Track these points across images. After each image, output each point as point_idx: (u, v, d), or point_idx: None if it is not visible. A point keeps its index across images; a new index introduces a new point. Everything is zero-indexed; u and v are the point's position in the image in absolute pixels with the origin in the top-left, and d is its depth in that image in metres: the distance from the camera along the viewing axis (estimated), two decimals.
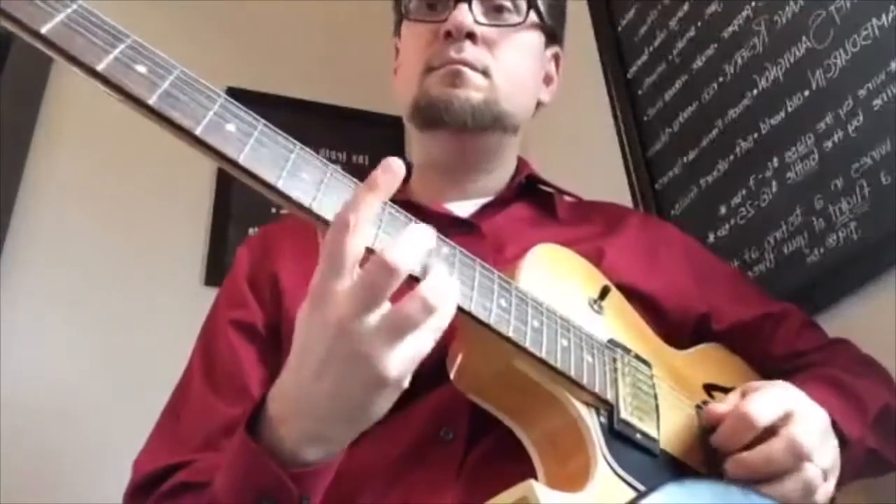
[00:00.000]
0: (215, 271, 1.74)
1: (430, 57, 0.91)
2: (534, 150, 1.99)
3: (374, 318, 0.53)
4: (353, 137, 1.97)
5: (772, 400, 0.69)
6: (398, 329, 0.54)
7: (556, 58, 1.05)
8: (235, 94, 1.92)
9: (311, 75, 2.05)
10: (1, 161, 1.59)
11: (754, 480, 0.66)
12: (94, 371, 1.55)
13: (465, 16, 0.89)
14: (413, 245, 0.55)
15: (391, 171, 0.55)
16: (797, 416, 0.68)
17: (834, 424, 0.75)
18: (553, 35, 1.02)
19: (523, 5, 0.95)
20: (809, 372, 0.85)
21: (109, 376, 1.55)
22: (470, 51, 0.90)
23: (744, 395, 0.72)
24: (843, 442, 0.76)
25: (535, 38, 0.98)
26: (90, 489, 1.36)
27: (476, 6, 0.91)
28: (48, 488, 1.42)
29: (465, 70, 0.90)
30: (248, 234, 1.81)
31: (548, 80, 1.04)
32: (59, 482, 1.44)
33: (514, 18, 0.94)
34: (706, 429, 0.71)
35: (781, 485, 0.66)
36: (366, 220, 0.54)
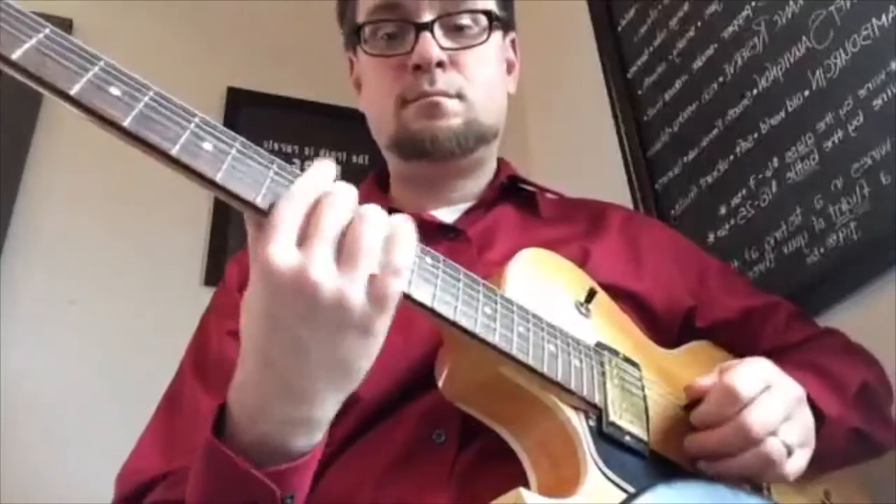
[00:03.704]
0: (215, 271, 1.74)
1: (402, 90, 0.91)
2: (535, 151, 1.99)
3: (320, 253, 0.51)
4: (353, 137, 1.97)
5: (752, 373, 0.70)
6: (321, 239, 0.51)
7: (514, 42, 1.05)
8: (236, 94, 1.93)
9: (311, 75, 2.04)
10: (1, 161, 1.59)
11: (710, 458, 0.68)
12: (94, 371, 1.55)
13: (430, 47, 0.89)
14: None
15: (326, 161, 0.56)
16: (768, 392, 0.69)
17: (811, 403, 0.75)
18: (508, 23, 1.02)
19: (481, 16, 0.94)
20: (786, 356, 0.85)
21: (109, 376, 1.55)
22: (442, 79, 0.90)
23: (722, 372, 0.72)
24: (822, 420, 0.76)
25: (497, 41, 0.98)
26: (90, 489, 1.36)
27: (437, 30, 0.90)
28: (48, 488, 1.42)
29: (442, 100, 0.90)
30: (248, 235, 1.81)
31: (510, 67, 1.04)
32: (59, 482, 1.44)
33: (475, 31, 0.94)
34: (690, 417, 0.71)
35: (735, 459, 0.67)
36: (305, 193, 0.53)
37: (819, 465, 0.77)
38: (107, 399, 1.52)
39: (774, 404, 0.69)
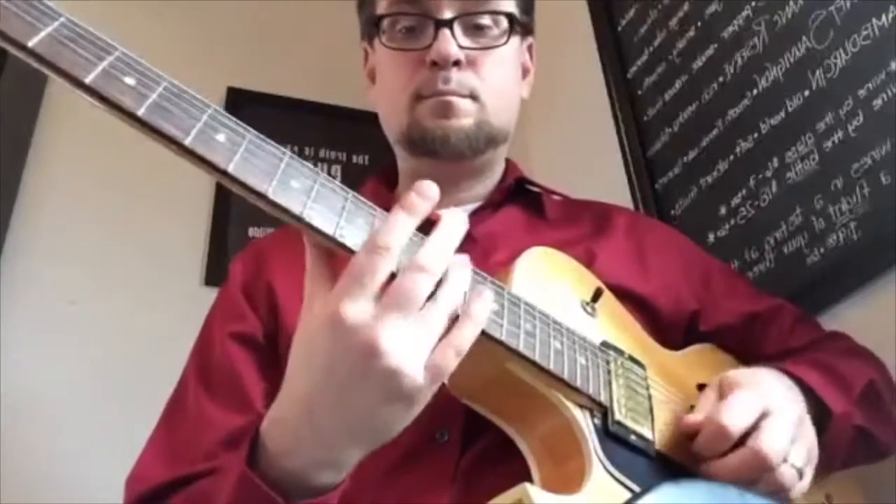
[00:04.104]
0: (215, 271, 1.74)
1: (418, 86, 0.90)
2: (535, 150, 1.99)
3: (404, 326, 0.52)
4: (353, 137, 1.97)
5: (746, 406, 0.69)
6: (401, 307, 0.52)
7: (531, 48, 1.04)
8: (236, 94, 1.93)
9: (311, 75, 2.05)
10: (1, 161, 1.59)
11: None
12: (95, 371, 1.55)
13: (449, 45, 0.88)
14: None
15: (428, 196, 0.56)
16: (770, 418, 0.68)
17: (817, 399, 0.76)
18: (527, 28, 1.02)
19: (502, 18, 0.94)
20: (792, 356, 0.85)
21: (109, 376, 1.55)
22: (456, 78, 0.89)
23: (721, 391, 0.72)
24: (828, 417, 0.76)
25: (515, 44, 0.97)
26: (90, 489, 1.36)
27: (457, 28, 0.90)
28: (48, 488, 1.42)
29: (454, 99, 0.90)
30: (248, 235, 1.81)
31: (525, 72, 1.03)
32: (59, 482, 1.44)
33: (495, 33, 0.93)
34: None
35: (752, 487, 0.67)
36: (399, 246, 0.53)
37: (823, 463, 0.78)
38: (107, 399, 1.52)
39: (782, 430, 0.68)
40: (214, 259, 1.77)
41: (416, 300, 0.52)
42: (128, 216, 1.74)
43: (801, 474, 0.69)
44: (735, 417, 0.67)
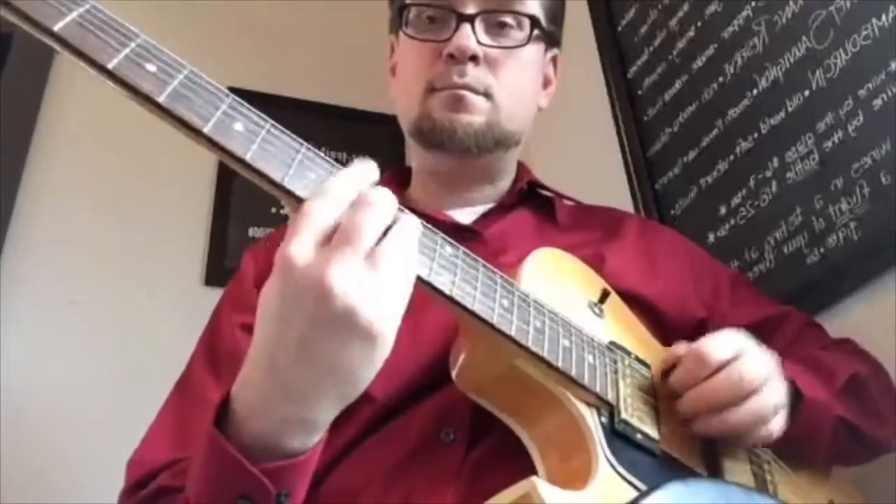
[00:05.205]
0: (215, 271, 1.74)
1: (432, 78, 0.91)
2: (534, 150, 1.99)
3: (346, 261, 0.51)
4: (353, 137, 1.97)
5: (724, 342, 0.72)
6: (347, 243, 0.51)
7: (555, 59, 1.05)
8: (236, 93, 1.92)
9: (311, 75, 2.05)
10: (1, 161, 1.59)
11: (705, 412, 0.69)
12: (94, 371, 1.55)
13: (467, 39, 0.89)
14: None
15: (367, 158, 0.58)
16: (746, 355, 0.71)
17: (795, 388, 0.77)
18: (553, 38, 1.02)
19: (525, 20, 0.94)
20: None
21: (109, 376, 1.55)
22: (472, 74, 0.90)
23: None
24: (802, 401, 0.77)
25: (537, 49, 0.98)
26: (90, 489, 1.36)
27: (478, 24, 0.90)
28: (48, 488, 1.42)
29: (467, 94, 0.90)
30: (248, 234, 1.82)
31: (546, 83, 1.04)
32: (59, 482, 1.44)
33: (517, 35, 0.94)
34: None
35: (731, 412, 0.69)
36: (341, 192, 0.53)
37: (806, 449, 0.79)
38: (107, 399, 1.52)
39: (759, 364, 0.71)
40: (214, 259, 1.78)
41: (360, 235, 0.51)
42: (128, 216, 1.74)
43: (775, 410, 0.72)
44: (713, 349, 0.70)
